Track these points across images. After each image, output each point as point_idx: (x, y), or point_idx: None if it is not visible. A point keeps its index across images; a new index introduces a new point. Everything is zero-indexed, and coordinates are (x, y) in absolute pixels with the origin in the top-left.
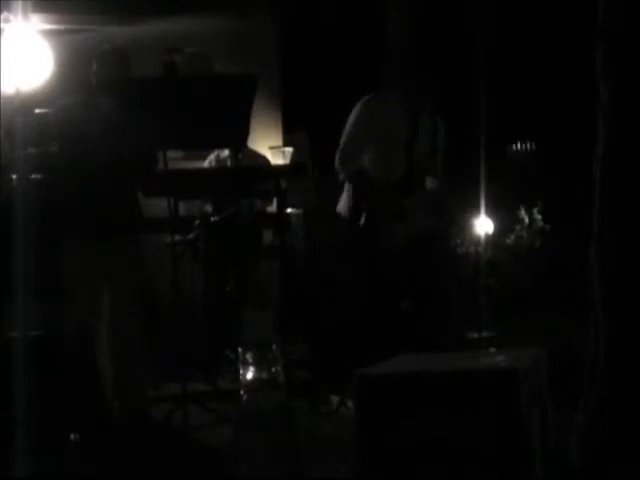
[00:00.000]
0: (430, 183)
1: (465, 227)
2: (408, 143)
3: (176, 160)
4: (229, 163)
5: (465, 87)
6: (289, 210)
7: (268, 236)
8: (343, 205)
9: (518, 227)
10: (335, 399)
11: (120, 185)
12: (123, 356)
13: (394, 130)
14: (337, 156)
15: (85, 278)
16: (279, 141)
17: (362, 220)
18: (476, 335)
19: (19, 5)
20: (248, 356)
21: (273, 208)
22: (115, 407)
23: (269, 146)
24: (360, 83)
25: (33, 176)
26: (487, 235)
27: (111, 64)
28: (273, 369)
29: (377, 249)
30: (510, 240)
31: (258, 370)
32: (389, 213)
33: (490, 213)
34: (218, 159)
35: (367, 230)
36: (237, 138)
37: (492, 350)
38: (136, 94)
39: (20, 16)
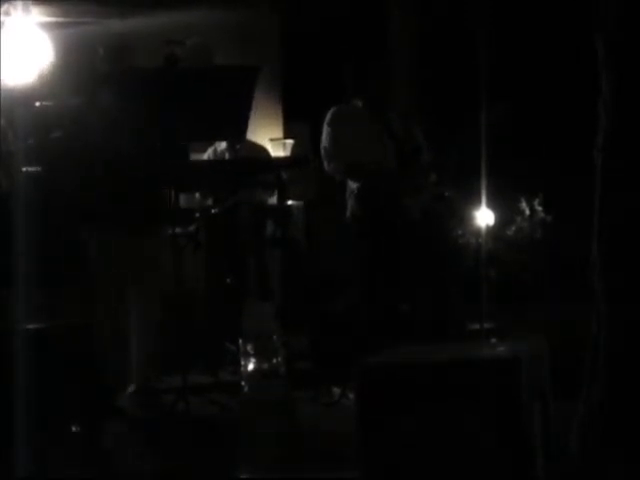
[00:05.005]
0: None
1: (466, 218)
2: (388, 137)
3: None
4: (227, 155)
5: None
6: (290, 202)
7: (269, 228)
8: (351, 205)
9: (519, 218)
10: (336, 390)
11: (130, 179)
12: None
13: (366, 129)
14: (323, 156)
15: (108, 273)
16: (280, 133)
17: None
18: (477, 326)
19: None
20: (249, 347)
21: (274, 200)
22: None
23: (270, 138)
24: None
25: (33, 169)
26: (488, 226)
27: (115, 57)
28: (274, 360)
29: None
30: (511, 231)
31: (259, 361)
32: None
33: (491, 204)
34: (215, 152)
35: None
36: (236, 130)
37: (493, 340)
38: (136, 85)
39: (20, 9)
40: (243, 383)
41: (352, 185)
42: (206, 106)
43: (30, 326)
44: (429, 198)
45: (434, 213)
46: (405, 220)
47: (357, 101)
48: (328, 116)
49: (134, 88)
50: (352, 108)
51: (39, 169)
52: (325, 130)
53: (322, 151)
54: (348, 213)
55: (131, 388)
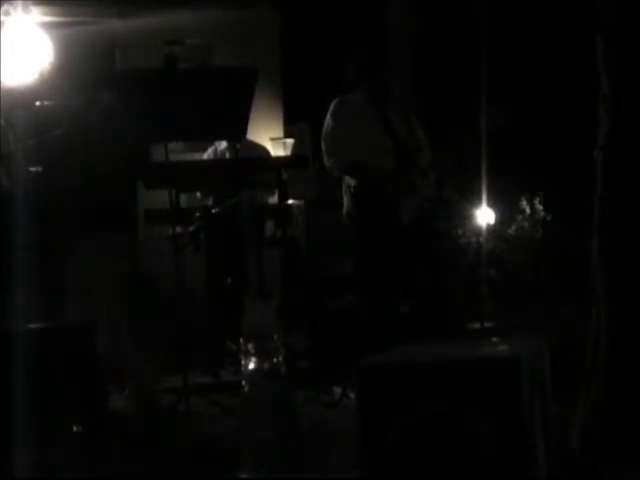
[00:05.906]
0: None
1: (466, 217)
2: (388, 136)
3: (177, 152)
4: (227, 155)
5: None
6: (290, 201)
7: (269, 228)
8: (346, 203)
9: (519, 217)
10: (337, 390)
11: (111, 178)
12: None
13: (368, 126)
14: (324, 149)
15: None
16: (280, 132)
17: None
18: (477, 325)
19: None
20: (250, 347)
21: (274, 199)
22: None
23: (270, 137)
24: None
25: (32, 168)
26: (488, 225)
27: (114, 57)
28: (275, 360)
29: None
30: (511, 230)
31: (260, 361)
32: (399, 186)
33: (491, 203)
34: (216, 152)
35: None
36: (236, 130)
37: (493, 339)
38: (135, 86)
39: (20, 8)
40: (244, 383)
41: (349, 181)
42: (206, 106)
43: (29, 326)
44: (425, 197)
45: (430, 212)
46: (400, 220)
47: (359, 96)
48: (332, 106)
49: (134, 88)
50: (355, 101)
51: (38, 169)
52: (328, 121)
53: (323, 143)
54: (344, 210)
55: (132, 388)
